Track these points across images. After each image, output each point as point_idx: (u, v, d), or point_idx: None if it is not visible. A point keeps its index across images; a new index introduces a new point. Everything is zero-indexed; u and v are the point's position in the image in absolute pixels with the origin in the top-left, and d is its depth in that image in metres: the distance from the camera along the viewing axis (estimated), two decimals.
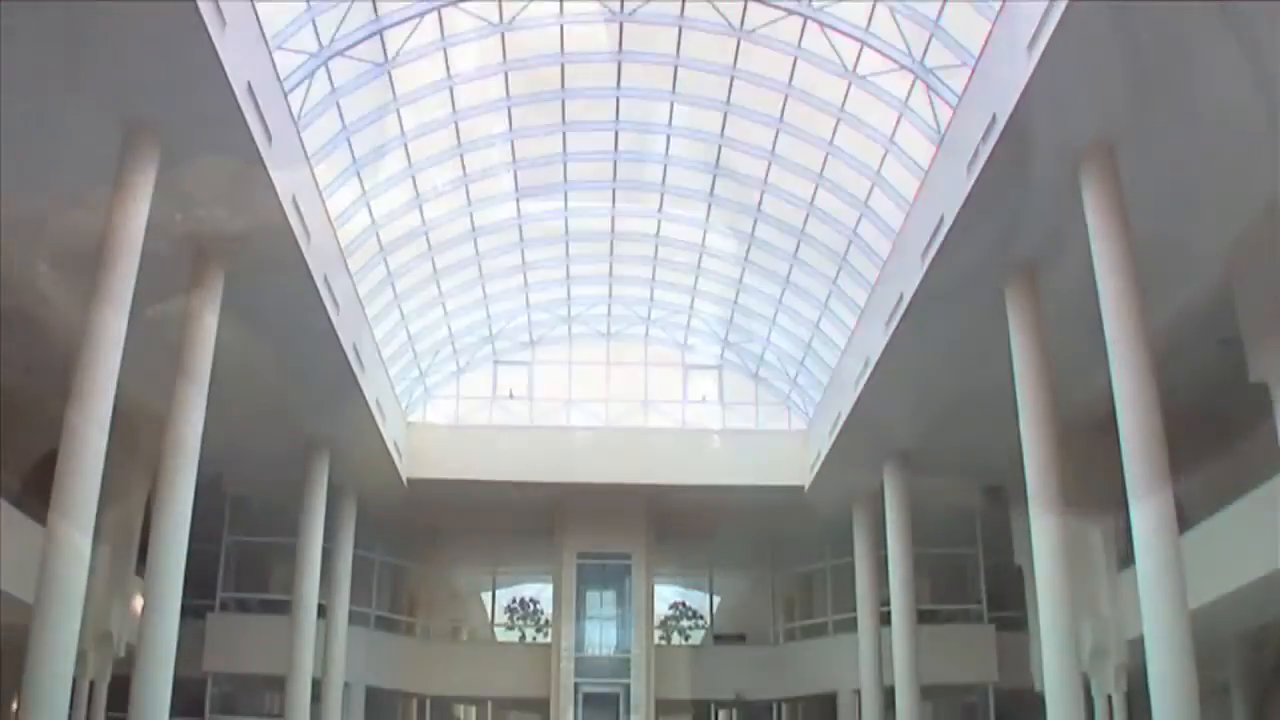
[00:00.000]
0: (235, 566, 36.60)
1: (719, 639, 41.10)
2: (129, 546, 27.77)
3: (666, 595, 41.00)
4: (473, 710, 40.57)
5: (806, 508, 36.63)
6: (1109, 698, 27.88)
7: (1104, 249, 18.66)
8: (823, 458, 33.48)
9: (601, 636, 38.98)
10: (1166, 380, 19.08)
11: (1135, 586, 18.13)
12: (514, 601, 41.17)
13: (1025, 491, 21.86)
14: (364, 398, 29.32)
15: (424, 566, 39.50)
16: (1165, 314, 22.88)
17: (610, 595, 39.40)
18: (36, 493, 20.72)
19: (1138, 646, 19.71)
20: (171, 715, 20.94)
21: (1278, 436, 19.47)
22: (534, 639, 40.12)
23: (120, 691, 23.67)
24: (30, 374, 25.36)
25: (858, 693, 34.12)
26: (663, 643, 39.47)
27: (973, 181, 20.07)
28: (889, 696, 30.82)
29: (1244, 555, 21.47)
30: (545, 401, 39.23)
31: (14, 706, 20.73)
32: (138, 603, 24.12)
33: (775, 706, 38.97)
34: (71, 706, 20.28)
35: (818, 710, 38.53)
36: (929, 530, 33.43)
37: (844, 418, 30.79)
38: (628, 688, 37.24)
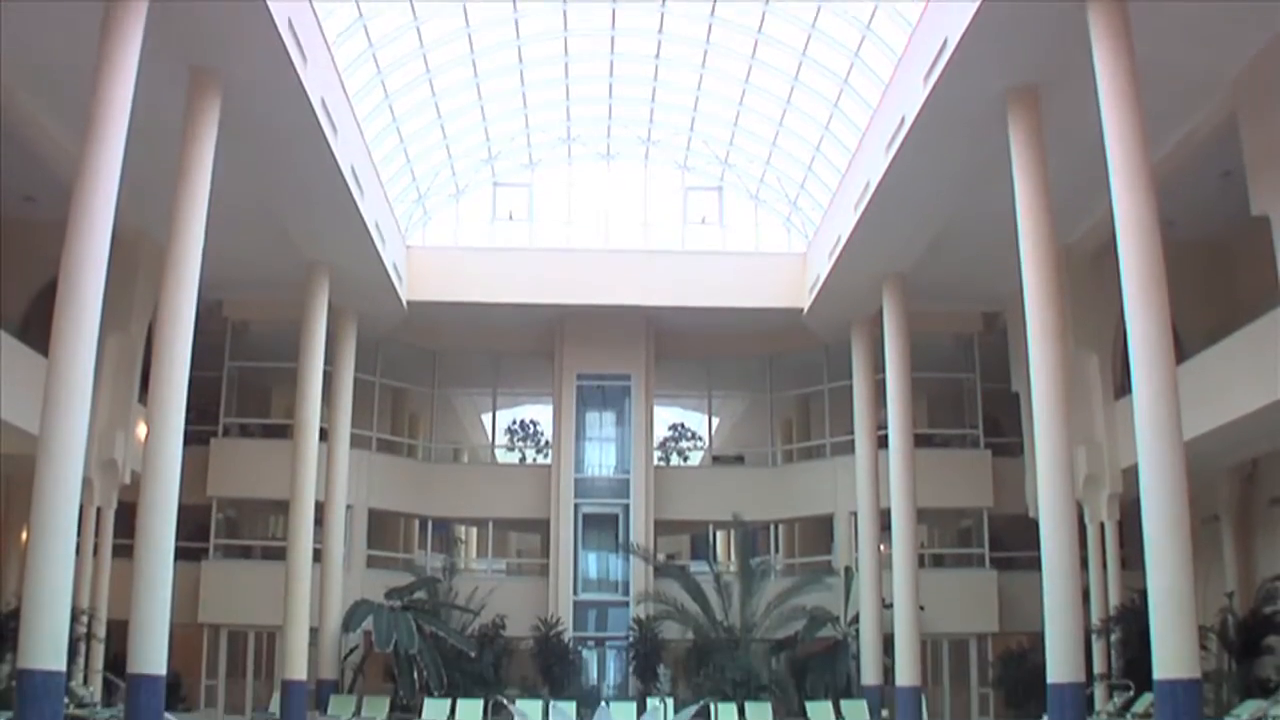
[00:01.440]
0: (237, 392, 36.91)
1: (717, 460, 41.55)
2: (131, 375, 27.95)
3: (665, 417, 41.23)
4: (473, 531, 41.13)
5: (805, 330, 36.79)
6: (1101, 525, 28.34)
7: (1108, 74, 18.48)
8: (822, 281, 33.45)
9: (601, 457, 39.38)
10: (1168, 211, 19.03)
11: (1131, 416, 18.22)
12: (514, 423, 41.45)
13: (1024, 318, 21.86)
14: (363, 221, 29.18)
15: (424, 389, 39.69)
16: (1168, 143, 22.77)
17: (610, 416, 39.70)
18: (38, 324, 20.79)
19: (1131, 475, 19.97)
20: (177, 540, 21.27)
21: (1277, 270, 19.40)
22: (534, 460, 40.46)
23: (126, 518, 24.04)
24: (30, 203, 25.31)
25: (854, 515, 34.59)
26: (661, 464, 39.77)
27: (977, 2, 19.73)
28: (885, 519, 31.24)
29: (1239, 388, 21.62)
30: (545, 223, 39.03)
31: (23, 536, 20.99)
32: (141, 430, 24.33)
33: (772, 527, 39.48)
34: (79, 534, 20.60)
35: (814, 531, 39.11)
36: (927, 355, 33.66)
37: (844, 241, 30.69)
38: (627, 508, 37.75)
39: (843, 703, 31.69)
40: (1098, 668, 27.82)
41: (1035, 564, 21.69)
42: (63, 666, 16.97)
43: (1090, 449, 28.04)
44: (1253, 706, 20.70)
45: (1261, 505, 28.38)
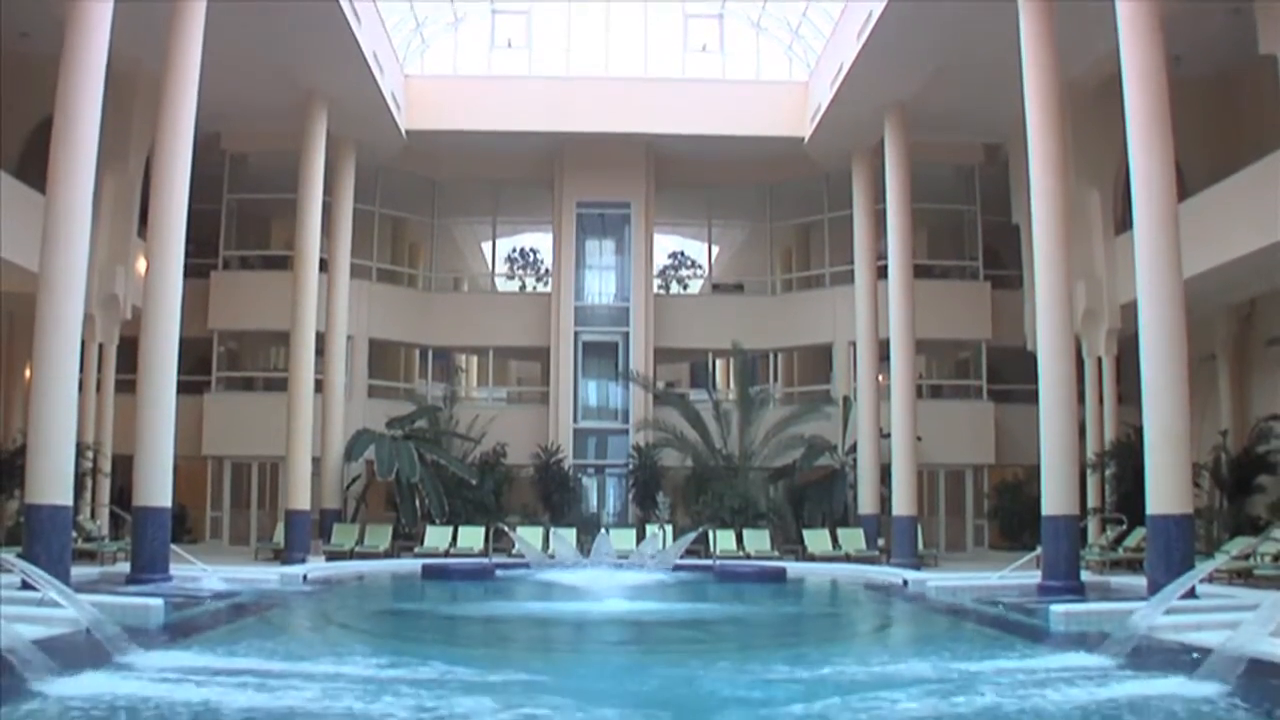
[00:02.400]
0: (236, 224, 36.79)
1: (717, 289, 41.59)
2: (130, 210, 27.81)
3: (665, 245, 41.21)
4: (474, 360, 41.35)
5: (806, 160, 36.50)
6: (1099, 360, 28.43)
7: None
8: (823, 110, 33.11)
9: (601, 286, 39.42)
10: (1174, 46, 18.78)
11: (1131, 252, 18.21)
12: (514, 251, 41.46)
13: (1026, 151, 21.71)
14: (360, 50, 28.80)
15: (424, 218, 39.53)
16: None
17: (609, 245, 39.64)
18: (35, 161, 20.63)
19: (1130, 311, 19.99)
20: (179, 374, 21.42)
21: None
22: (534, 288, 40.58)
23: (129, 353, 24.13)
24: (25, 39, 24.90)
25: (853, 344, 34.68)
26: (661, 292, 39.89)
27: None
28: (883, 349, 31.30)
29: (1239, 228, 21.54)
30: (543, 51, 38.49)
31: (26, 374, 21.10)
32: (141, 265, 24.32)
33: (771, 356, 39.63)
34: (81, 371, 20.72)
35: (813, 361, 39.27)
36: (928, 186, 33.47)
37: (846, 70, 30.30)
38: (626, 336, 37.87)
39: (839, 531, 32.11)
40: (1091, 501, 28.22)
41: (1032, 397, 21.83)
42: (69, 501, 17.27)
43: (1089, 284, 28.04)
44: (1242, 543, 21.01)
45: (1258, 345, 28.48)
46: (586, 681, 12.65)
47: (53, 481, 16.80)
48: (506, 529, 30.51)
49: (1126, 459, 26.04)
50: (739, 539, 31.79)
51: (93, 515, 26.83)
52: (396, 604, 23.79)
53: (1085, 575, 21.77)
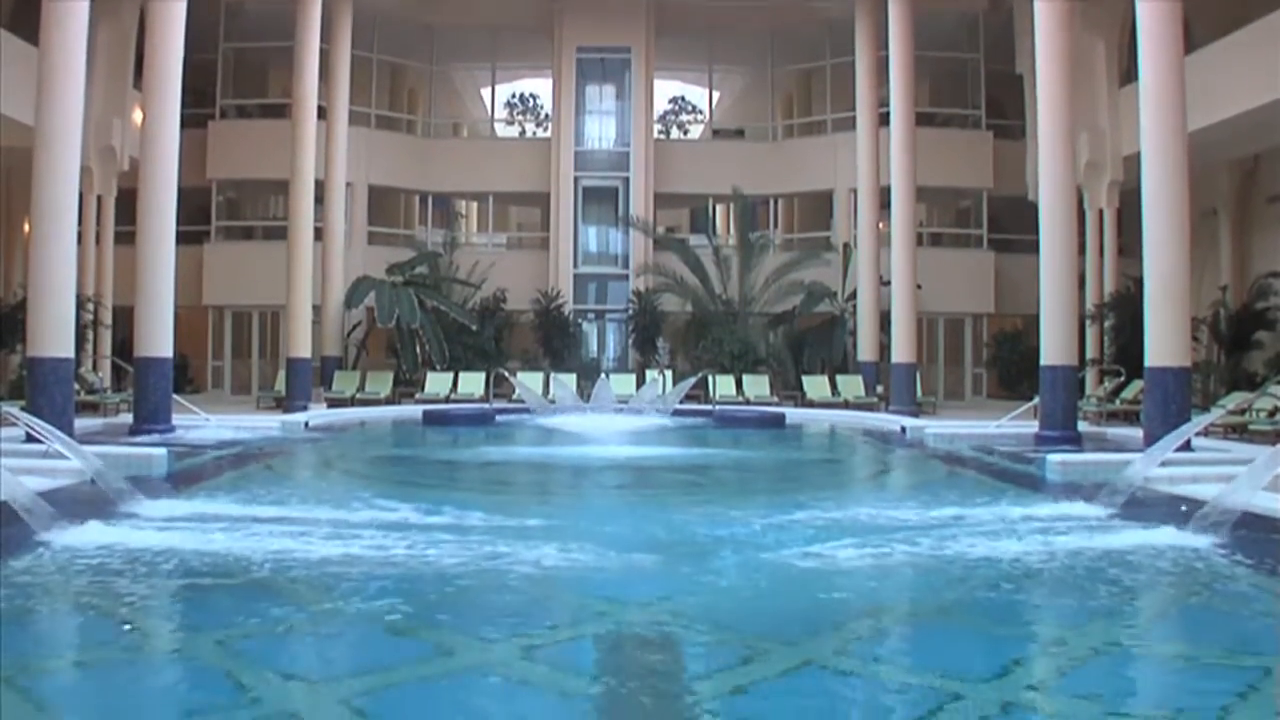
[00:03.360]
0: (233, 73, 36.36)
1: (718, 134, 41.29)
2: (125, 61, 27.49)
3: (666, 90, 40.82)
4: (474, 205, 41.18)
5: (808, 5, 36.07)
6: (1100, 212, 28.32)
7: None
8: None
9: (601, 131, 39.07)
10: None
11: (1135, 104, 18.04)
12: (514, 97, 41.10)
13: None
14: None
15: (422, 65, 39.06)
16: None
17: (609, 90, 39.21)
18: (27, 13, 20.35)
19: (1133, 164, 19.90)
20: (178, 224, 21.36)
21: None
22: (534, 134, 40.28)
23: (127, 205, 24.02)
24: None
25: (853, 192, 34.51)
26: (661, 137, 39.59)
27: None
28: (884, 196, 31.16)
29: (1245, 83, 21.32)
30: None
31: (25, 228, 21.04)
32: (138, 116, 24.11)
33: (772, 202, 39.45)
34: (80, 223, 20.67)
35: (813, 207, 39.10)
36: (931, 33, 33.03)
37: None
38: (627, 181, 37.69)
39: (838, 377, 32.32)
40: (1090, 353, 28.31)
41: (1033, 247, 21.77)
42: (71, 353, 17.34)
43: (1093, 135, 27.82)
44: (1239, 398, 21.07)
45: (1260, 202, 28.35)
46: (585, 524, 12.80)
47: (54, 334, 16.83)
48: (507, 374, 30.74)
49: (1126, 311, 26.06)
50: (738, 384, 32.02)
51: (95, 367, 26.95)
52: (398, 450, 23.99)
53: (1082, 426, 21.90)
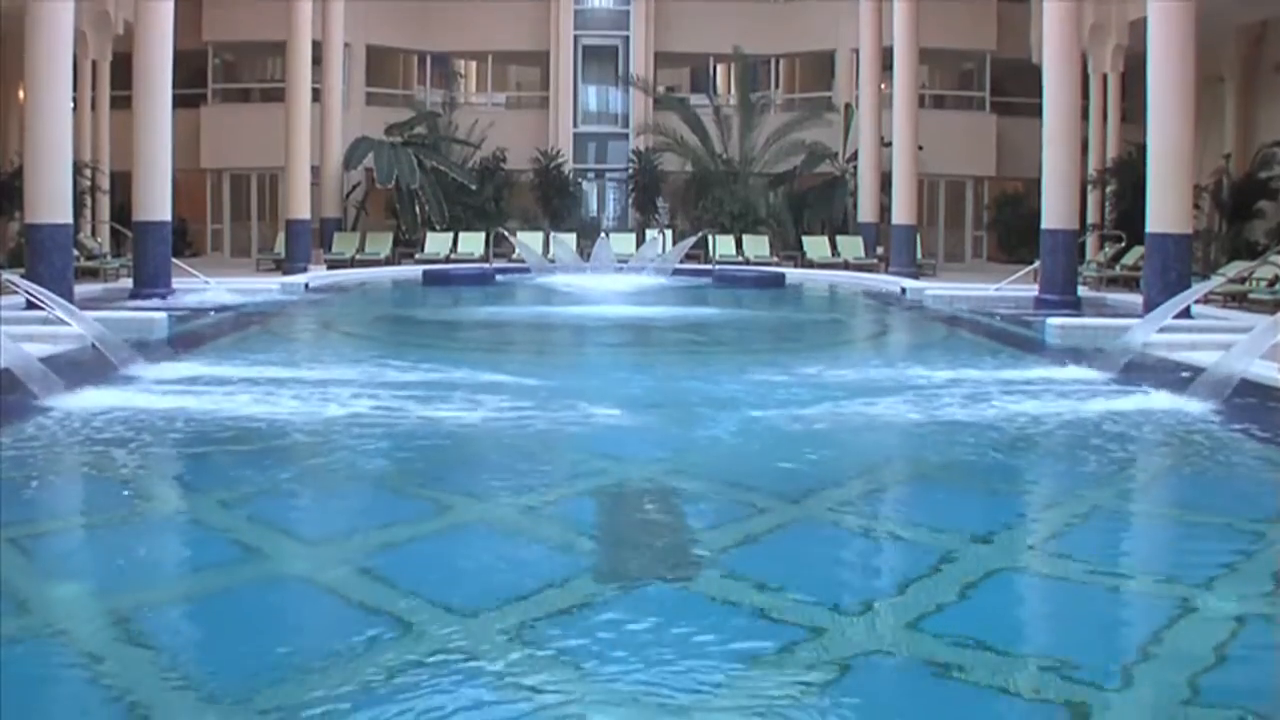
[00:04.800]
0: None
1: None
2: None
3: None
4: (473, 65, 40.69)
5: None
6: (1104, 77, 28.03)
7: None
8: None
9: None
10: None
11: None
12: None
13: None
14: None
15: None
16: None
17: None
18: None
19: (1139, 28, 19.69)
20: (174, 88, 21.20)
21: None
22: None
23: (123, 69, 23.78)
24: None
25: (855, 52, 34.06)
26: None
27: None
28: (886, 57, 30.76)
29: None
30: None
31: (21, 94, 20.85)
32: None
33: (773, 62, 39.03)
34: (76, 88, 20.50)
35: (815, 67, 38.70)
36: None
37: None
38: (627, 40, 37.39)
39: (838, 238, 32.28)
40: (1091, 218, 28.20)
41: (1036, 111, 21.69)
42: (69, 219, 17.32)
43: None
44: (1239, 266, 21.06)
45: (1267, 70, 27.93)
46: (586, 383, 12.93)
47: (52, 200, 16.76)
48: (507, 234, 30.75)
49: (1127, 177, 25.94)
50: (738, 244, 31.99)
51: (94, 233, 26.90)
52: (398, 310, 24.10)
53: (1082, 291, 21.95)
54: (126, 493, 8.06)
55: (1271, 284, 19.93)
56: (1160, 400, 11.27)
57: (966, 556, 6.46)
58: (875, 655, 4.99)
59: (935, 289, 24.52)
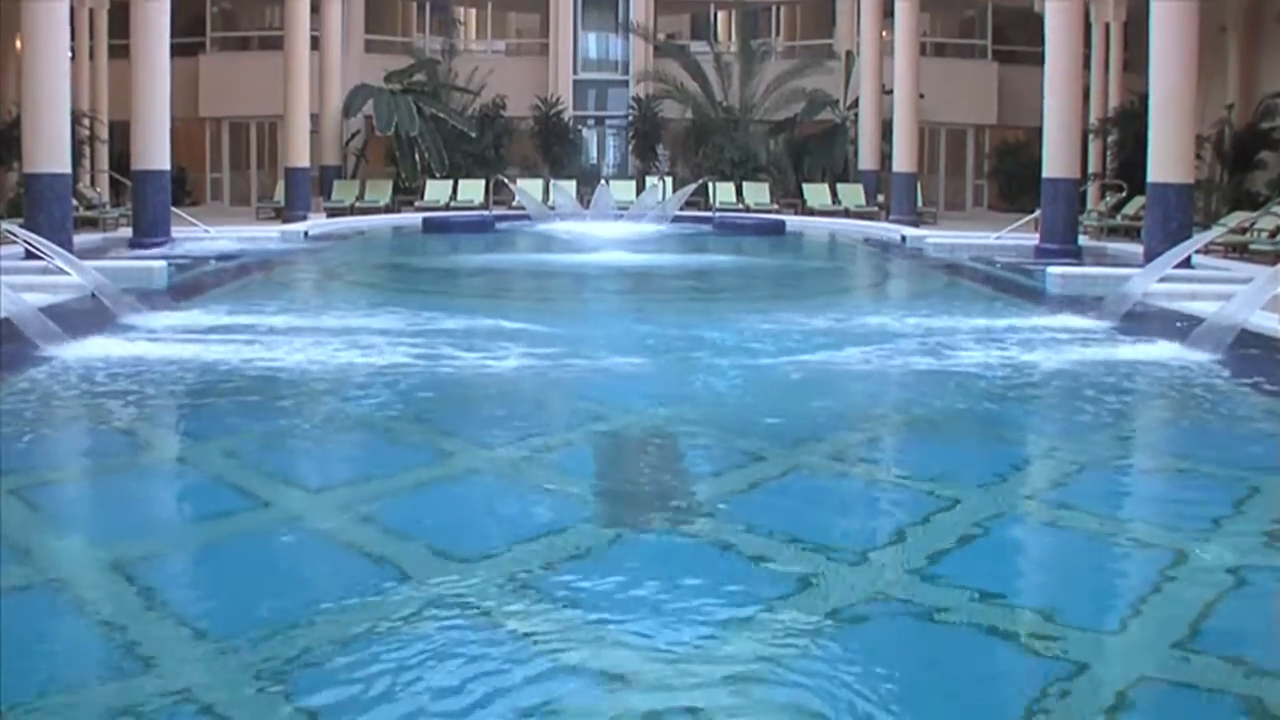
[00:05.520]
0: None
1: None
2: None
3: None
4: (472, 11, 40.45)
5: None
6: (1107, 25, 27.90)
7: None
8: None
9: None
10: None
11: None
12: None
13: None
14: None
15: None
16: None
17: None
18: None
19: None
20: (172, 36, 21.15)
21: None
22: None
23: (120, 18, 23.66)
24: None
25: None
26: None
27: None
28: (887, 4, 30.27)
29: None
30: None
31: (16, 43, 20.76)
32: None
33: (774, 9, 38.95)
34: (73, 37, 20.42)
35: (816, 14, 38.58)
36: None
37: None
38: None
39: (839, 186, 32.27)
40: (1092, 167, 28.12)
41: (1037, 59, 21.62)
42: (68, 169, 17.27)
43: None
44: (1240, 217, 21.02)
45: (1270, 20, 27.71)
46: (586, 330, 12.99)
47: (50, 150, 16.70)
48: (507, 181, 30.74)
49: (1129, 127, 25.85)
50: (738, 192, 32.01)
51: (92, 182, 26.80)
52: (398, 257, 24.11)
53: (1082, 240, 21.97)
54: (126, 441, 8.10)
55: (1272, 235, 19.90)
56: (1160, 350, 11.31)
57: (964, 503, 6.48)
58: (874, 601, 5.02)
59: (936, 237, 24.53)
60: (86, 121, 26.28)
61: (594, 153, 38.43)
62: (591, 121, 38.05)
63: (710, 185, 31.24)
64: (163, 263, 17.23)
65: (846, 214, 30.52)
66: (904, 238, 25.29)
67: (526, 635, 4.55)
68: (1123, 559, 5.85)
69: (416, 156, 32.83)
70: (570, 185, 31.49)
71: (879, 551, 5.66)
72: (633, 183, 33.12)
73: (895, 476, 7.43)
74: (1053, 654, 4.45)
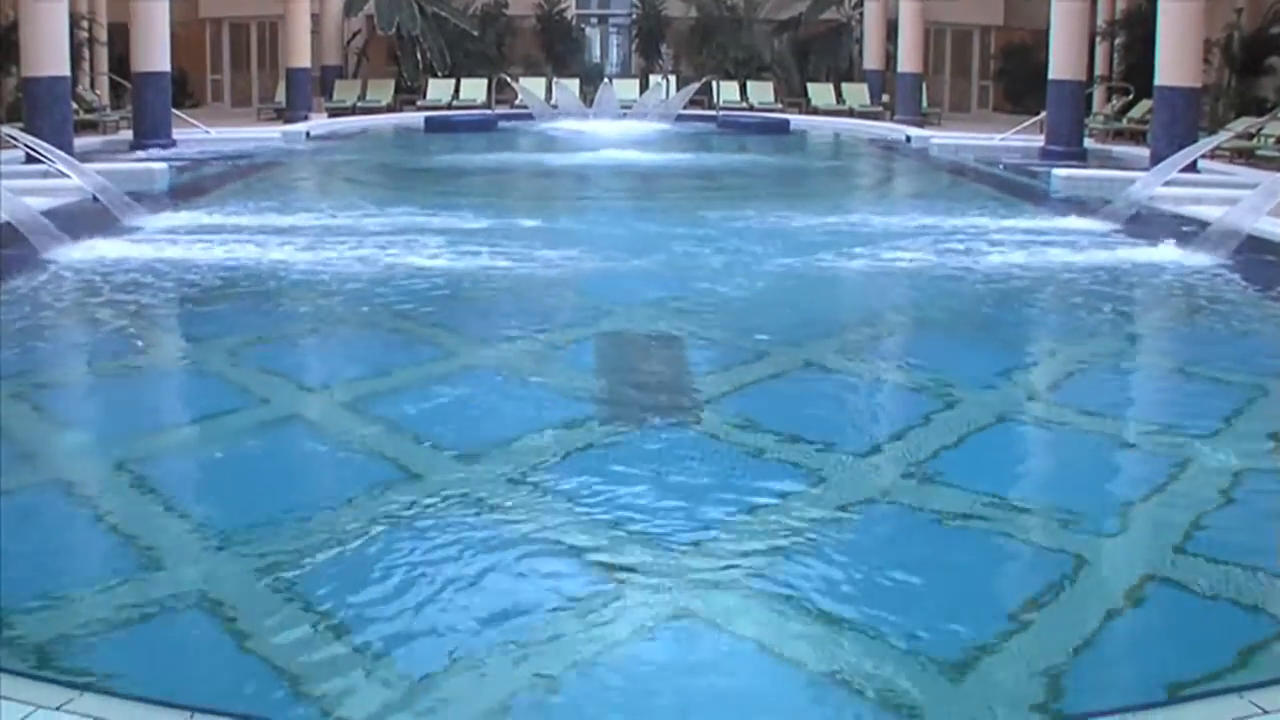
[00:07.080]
0: None
1: None
2: None
3: None
4: None
5: None
6: None
7: None
8: None
9: None
10: None
11: None
12: None
13: None
14: None
15: None
16: None
17: None
18: None
19: None
20: None
21: None
22: None
23: None
24: None
25: None
26: None
27: None
28: None
29: None
30: None
31: None
32: None
33: None
34: None
35: None
36: None
37: None
38: None
39: (844, 85, 32.01)
40: (1099, 70, 27.83)
41: None
42: (67, 72, 17.20)
43: None
44: (1247, 122, 20.85)
45: None
46: (591, 229, 13.02)
47: (48, 52, 16.60)
48: (509, 80, 30.53)
49: (1137, 30, 25.49)
50: (742, 91, 31.80)
51: (92, 85, 26.47)
52: (400, 157, 24.01)
53: (1088, 143, 21.89)
54: (130, 342, 8.16)
55: (1279, 141, 19.77)
56: (1166, 253, 11.33)
57: (966, 404, 6.54)
58: (875, 502, 5.10)
59: (940, 138, 24.43)
60: (85, 24, 25.93)
61: (597, 52, 38.10)
62: (594, 20, 37.71)
63: (714, 84, 31.02)
64: (163, 164, 17.23)
65: (851, 114, 30.34)
66: (908, 138, 25.20)
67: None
68: (1125, 457, 5.95)
69: (418, 55, 32.55)
70: (573, 84, 31.26)
71: (878, 457, 5.70)
72: (636, 82, 32.85)
73: (894, 374, 7.56)
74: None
